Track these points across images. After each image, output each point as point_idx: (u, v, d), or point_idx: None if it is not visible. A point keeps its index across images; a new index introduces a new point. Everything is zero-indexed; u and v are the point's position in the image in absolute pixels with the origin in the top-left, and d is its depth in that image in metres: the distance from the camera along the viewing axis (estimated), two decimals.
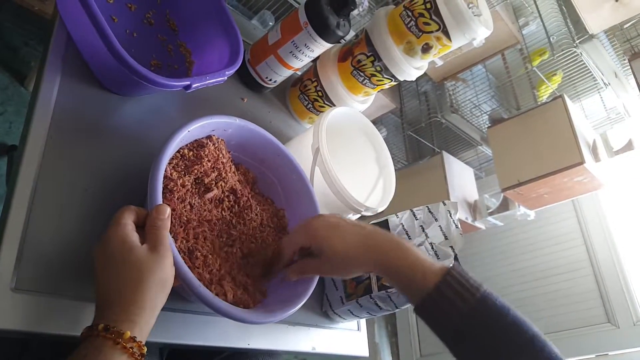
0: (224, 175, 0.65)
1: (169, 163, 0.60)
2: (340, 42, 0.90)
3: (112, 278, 0.47)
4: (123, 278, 0.47)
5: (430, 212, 0.77)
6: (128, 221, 0.51)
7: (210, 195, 0.63)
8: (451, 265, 0.54)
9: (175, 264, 0.51)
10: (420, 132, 2.15)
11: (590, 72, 1.72)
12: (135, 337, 0.44)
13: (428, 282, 0.52)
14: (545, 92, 1.84)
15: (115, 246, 0.48)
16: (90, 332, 0.44)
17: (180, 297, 0.61)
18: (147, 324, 0.47)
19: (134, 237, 0.50)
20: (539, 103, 1.75)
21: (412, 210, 0.79)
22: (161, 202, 0.53)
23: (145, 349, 0.45)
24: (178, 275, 0.51)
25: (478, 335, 0.50)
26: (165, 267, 0.49)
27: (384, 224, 0.79)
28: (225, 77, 0.68)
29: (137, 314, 0.45)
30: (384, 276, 0.58)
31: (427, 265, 0.54)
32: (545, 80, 1.73)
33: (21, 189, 0.53)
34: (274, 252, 0.67)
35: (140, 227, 0.52)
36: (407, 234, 0.76)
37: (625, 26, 1.71)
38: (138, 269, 0.47)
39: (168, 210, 0.53)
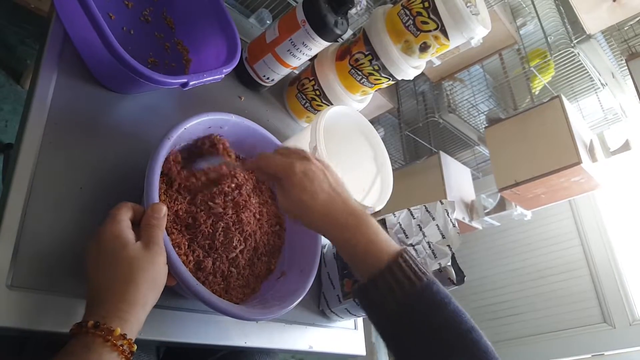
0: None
1: (166, 160, 0.60)
2: (338, 41, 0.90)
3: (104, 274, 0.47)
4: (115, 274, 0.47)
5: (427, 211, 0.77)
6: (124, 217, 0.50)
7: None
8: (403, 248, 0.53)
9: (171, 261, 0.51)
10: (417, 132, 2.16)
11: (588, 72, 1.73)
12: (125, 334, 0.44)
13: (379, 264, 0.51)
14: (539, 85, 1.84)
15: (109, 242, 0.48)
16: (80, 329, 0.43)
17: (177, 294, 0.61)
18: (137, 322, 0.46)
19: (129, 233, 0.50)
20: (536, 103, 1.75)
21: (409, 209, 0.79)
22: (157, 201, 0.53)
23: (135, 346, 0.45)
24: (174, 272, 0.51)
25: (414, 323, 0.49)
26: (158, 265, 0.49)
27: (382, 223, 0.79)
28: (223, 75, 0.68)
29: (127, 311, 0.45)
30: (338, 248, 0.56)
31: (383, 246, 0.52)
32: (537, 74, 1.73)
33: (17, 187, 0.53)
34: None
35: (136, 224, 0.52)
36: (405, 233, 0.76)
37: (625, 28, 1.71)
38: (130, 265, 0.47)
39: (164, 209, 0.53)
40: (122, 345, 0.43)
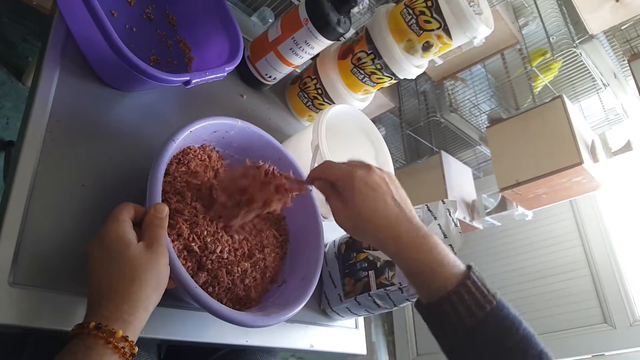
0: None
1: (171, 162, 0.60)
2: (340, 40, 0.90)
3: (106, 274, 0.47)
4: (117, 275, 0.46)
5: (429, 210, 0.77)
6: (126, 217, 0.50)
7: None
8: (468, 269, 0.51)
9: (171, 263, 0.50)
10: (419, 132, 2.15)
11: (590, 72, 1.72)
12: (127, 336, 0.44)
13: (445, 287, 0.50)
14: (540, 84, 1.84)
15: (112, 242, 0.48)
16: (81, 330, 0.43)
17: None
18: (139, 323, 0.46)
19: (131, 234, 0.49)
20: (538, 103, 1.75)
21: None
22: (160, 199, 0.53)
23: (137, 349, 0.45)
24: (173, 275, 0.51)
25: (483, 348, 0.48)
26: (161, 266, 0.49)
27: None
28: (225, 73, 0.68)
29: (129, 313, 0.45)
30: (398, 264, 0.54)
31: (449, 269, 0.51)
32: (539, 74, 1.73)
33: (19, 184, 0.53)
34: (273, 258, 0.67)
35: (138, 224, 0.52)
36: None
37: (625, 27, 1.71)
38: (133, 266, 0.47)
39: (166, 209, 0.53)
40: (123, 348, 0.43)
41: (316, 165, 0.60)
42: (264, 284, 0.65)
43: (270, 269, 0.67)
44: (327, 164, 0.56)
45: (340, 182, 0.54)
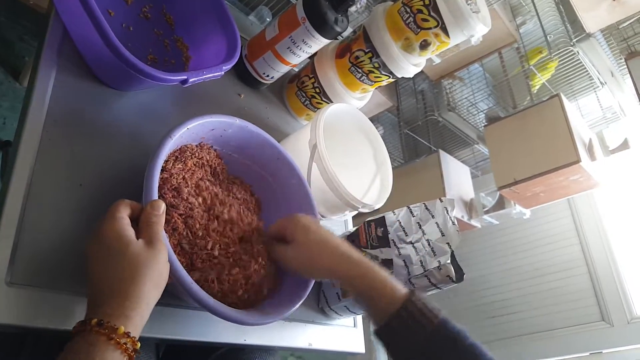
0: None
1: (168, 159, 0.60)
2: (338, 39, 0.90)
3: (107, 272, 0.47)
4: (118, 272, 0.47)
5: (427, 208, 0.77)
6: (123, 215, 0.50)
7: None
8: (412, 290, 0.56)
9: (170, 262, 0.50)
10: (416, 131, 2.16)
11: (587, 71, 1.73)
12: (129, 332, 0.44)
13: (393, 306, 0.54)
14: (538, 83, 1.84)
15: (111, 240, 0.48)
16: (83, 327, 0.43)
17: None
18: (141, 320, 0.46)
19: (130, 231, 0.50)
20: (535, 102, 1.75)
21: (408, 207, 0.79)
22: (156, 194, 0.53)
23: (139, 344, 0.45)
24: (170, 271, 0.51)
25: (438, 358, 0.51)
26: (161, 263, 0.49)
27: (381, 221, 0.79)
28: (223, 72, 0.68)
29: (131, 309, 0.45)
30: (349, 289, 0.61)
31: (396, 290, 0.55)
32: (536, 72, 1.73)
33: (16, 184, 0.53)
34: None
35: (135, 221, 0.52)
36: (404, 231, 0.76)
37: (622, 26, 1.71)
38: (134, 263, 0.47)
39: (163, 205, 0.53)
40: (125, 344, 0.43)
41: (311, 165, 0.65)
42: (261, 281, 0.65)
43: (268, 266, 0.67)
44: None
45: (285, 229, 0.64)
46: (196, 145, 0.66)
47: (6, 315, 0.47)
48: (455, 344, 0.51)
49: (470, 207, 1.97)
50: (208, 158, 0.67)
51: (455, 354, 0.51)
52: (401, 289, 0.56)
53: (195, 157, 0.64)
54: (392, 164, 0.93)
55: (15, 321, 0.48)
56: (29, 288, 0.49)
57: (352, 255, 0.59)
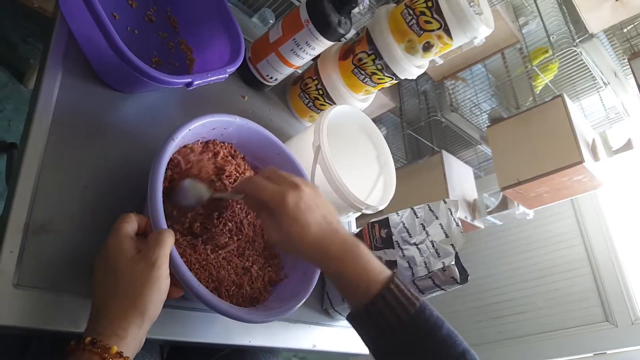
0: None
1: (171, 161, 0.61)
2: (341, 40, 0.90)
3: (104, 289, 0.47)
4: (115, 290, 0.46)
5: (431, 210, 0.77)
6: (127, 232, 0.50)
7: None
8: (392, 274, 0.54)
9: (173, 262, 0.50)
10: (419, 131, 2.15)
11: (590, 71, 1.72)
12: (122, 352, 0.44)
13: (370, 292, 0.52)
14: (541, 83, 1.84)
15: (110, 257, 0.48)
16: (77, 346, 0.43)
17: None
18: (136, 339, 0.46)
19: (131, 248, 0.49)
20: (538, 102, 1.75)
21: (412, 209, 0.79)
22: (160, 202, 0.52)
23: None
24: (176, 273, 0.51)
25: (410, 348, 0.50)
26: (160, 281, 0.48)
27: (385, 222, 0.80)
28: (227, 75, 0.68)
29: (123, 329, 0.45)
30: (328, 276, 0.56)
31: (373, 275, 0.53)
32: (539, 73, 1.73)
33: (23, 186, 0.53)
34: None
35: (141, 235, 0.52)
36: (408, 232, 0.76)
37: (626, 29, 1.71)
38: (131, 280, 0.47)
39: (172, 237, 0.51)
40: None
41: (315, 167, 0.61)
42: (265, 280, 0.66)
43: (272, 265, 0.67)
44: (253, 182, 0.56)
45: (271, 203, 0.54)
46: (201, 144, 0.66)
47: (13, 317, 0.48)
48: (429, 334, 0.50)
49: (473, 207, 1.96)
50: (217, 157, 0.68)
51: (430, 344, 0.50)
52: (379, 272, 0.53)
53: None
54: (395, 165, 0.93)
55: (21, 323, 0.48)
56: (35, 290, 0.50)
57: (332, 251, 0.54)
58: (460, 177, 2.04)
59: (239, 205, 0.67)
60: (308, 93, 0.97)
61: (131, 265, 0.47)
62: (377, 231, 0.80)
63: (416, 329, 0.50)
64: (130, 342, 0.45)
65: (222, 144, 0.68)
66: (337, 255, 0.54)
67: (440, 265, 0.70)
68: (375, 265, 0.54)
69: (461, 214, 1.87)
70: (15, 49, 1.45)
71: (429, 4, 0.82)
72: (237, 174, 0.67)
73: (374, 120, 1.04)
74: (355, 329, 0.55)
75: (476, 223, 1.95)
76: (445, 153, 2.02)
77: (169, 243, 0.50)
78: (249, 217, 0.67)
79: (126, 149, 0.66)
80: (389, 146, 0.94)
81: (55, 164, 0.57)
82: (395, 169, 0.93)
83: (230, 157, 0.68)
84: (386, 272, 0.54)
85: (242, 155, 0.71)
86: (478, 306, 2.45)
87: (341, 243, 0.54)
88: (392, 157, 0.94)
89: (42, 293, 0.50)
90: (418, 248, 0.74)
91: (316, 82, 0.96)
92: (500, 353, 2.34)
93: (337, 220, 0.57)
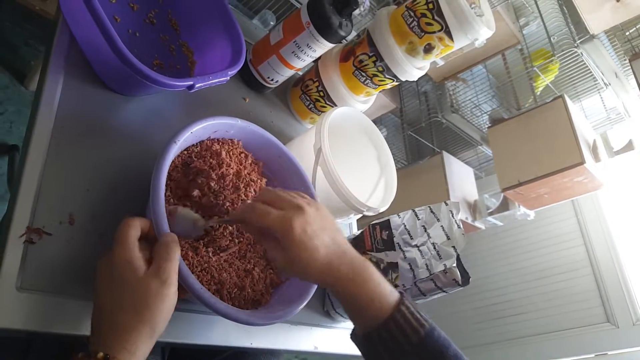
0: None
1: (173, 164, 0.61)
2: (342, 42, 0.90)
3: (114, 301, 0.47)
4: (125, 303, 0.46)
5: (432, 212, 0.77)
6: (134, 240, 0.49)
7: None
8: (401, 296, 0.53)
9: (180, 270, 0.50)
10: (420, 132, 2.15)
11: (591, 72, 1.72)
12: None
13: (381, 315, 0.52)
14: (542, 84, 1.84)
15: (120, 269, 0.47)
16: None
17: None
18: (142, 354, 0.46)
19: (140, 261, 0.48)
20: (539, 103, 1.75)
21: (414, 210, 0.79)
22: (163, 207, 0.52)
23: None
24: (178, 277, 0.50)
25: None
26: (169, 296, 0.48)
27: (386, 224, 0.80)
28: (228, 77, 0.68)
29: (132, 343, 0.45)
30: (338, 299, 0.55)
31: (384, 297, 0.52)
32: (540, 74, 1.73)
33: (25, 190, 0.53)
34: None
35: (145, 240, 0.52)
36: (409, 234, 0.76)
37: (628, 32, 1.71)
38: (142, 295, 0.46)
39: (178, 249, 0.51)
40: None
41: (316, 169, 0.60)
42: (267, 282, 0.66)
43: (273, 268, 0.67)
44: (259, 210, 0.53)
45: (277, 231, 0.52)
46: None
47: (16, 320, 0.48)
48: (441, 354, 0.50)
49: (474, 208, 1.97)
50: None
51: None
52: (389, 293, 0.53)
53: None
54: (395, 166, 0.93)
55: (25, 326, 0.48)
56: (38, 293, 0.50)
57: (341, 275, 0.53)
58: (461, 178, 2.04)
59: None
60: (309, 95, 0.98)
61: (143, 281, 0.47)
62: (378, 233, 0.80)
63: (427, 350, 0.51)
64: (140, 357, 0.45)
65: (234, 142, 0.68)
66: (348, 276, 0.52)
67: (441, 267, 0.70)
68: (386, 287, 0.53)
69: (462, 214, 1.87)
70: (17, 51, 1.45)
71: (430, 5, 0.82)
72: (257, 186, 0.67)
73: (375, 121, 1.04)
74: (362, 349, 0.55)
75: (477, 224, 1.95)
76: (445, 154, 2.02)
77: (177, 256, 0.50)
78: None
79: (128, 152, 0.66)
80: (389, 147, 0.94)
81: (58, 167, 0.57)
82: (396, 169, 0.93)
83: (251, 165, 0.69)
84: (395, 293, 0.54)
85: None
86: (479, 307, 2.45)
87: (350, 264, 0.53)
88: (393, 158, 0.94)
89: (45, 296, 0.50)
90: (419, 250, 0.74)
91: (317, 84, 0.96)
92: (501, 354, 2.34)
93: (344, 240, 0.56)
